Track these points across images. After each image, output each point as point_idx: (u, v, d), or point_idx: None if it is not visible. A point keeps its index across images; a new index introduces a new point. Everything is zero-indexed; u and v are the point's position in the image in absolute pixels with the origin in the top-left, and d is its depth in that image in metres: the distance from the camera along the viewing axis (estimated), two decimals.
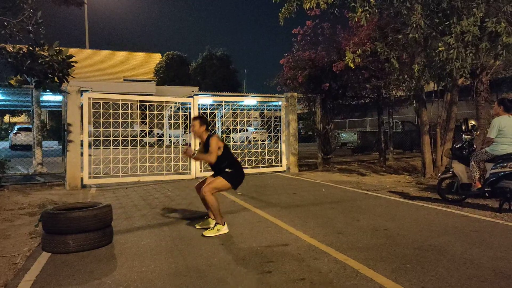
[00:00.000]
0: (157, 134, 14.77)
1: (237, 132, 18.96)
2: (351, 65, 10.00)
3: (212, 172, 5.59)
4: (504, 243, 4.62)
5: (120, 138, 10.42)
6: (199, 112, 11.36)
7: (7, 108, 29.29)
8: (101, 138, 10.05)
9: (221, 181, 5.25)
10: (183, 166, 11.16)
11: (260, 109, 14.54)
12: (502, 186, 6.22)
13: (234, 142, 12.80)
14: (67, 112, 9.41)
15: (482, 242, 4.64)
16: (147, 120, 11.12)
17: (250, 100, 13.59)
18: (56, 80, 7.21)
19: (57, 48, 7.08)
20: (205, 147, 5.39)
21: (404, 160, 15.20)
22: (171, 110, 16.95)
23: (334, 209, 6.74)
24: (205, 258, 4.23)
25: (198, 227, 5.48)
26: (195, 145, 11.09)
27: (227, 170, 5.31)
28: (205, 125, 5.46)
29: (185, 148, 5.47)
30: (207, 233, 5.09)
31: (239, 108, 12.91)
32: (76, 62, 7.39)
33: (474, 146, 7.06)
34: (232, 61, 48.84)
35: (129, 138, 10.82)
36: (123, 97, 10.79)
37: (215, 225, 5.19)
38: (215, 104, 13.72)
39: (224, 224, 5.21)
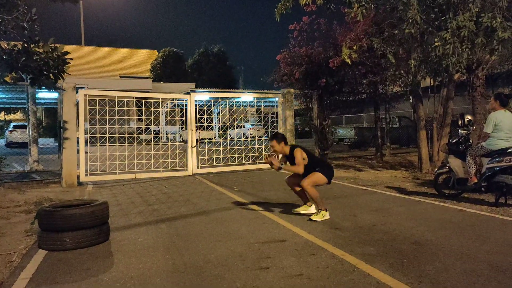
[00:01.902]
0: (154, 131, 14.75)
1: (234, 129, 18.94)
2: (348, 60, 10.00)
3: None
4: (500, 237, 4.64)
5: (117, 135, 10.39)
6: (195, 109, 11.33)
7: (2, 106, 29.12)
8: (98, 135, 10.01)
9: (319, 176, 5.67)
10: (180, 163, 11.14)
11: (256, 105, 14.52)
12: (498, 180, 6.26)
13: (231, 138, 12.76)
14: (63, 109, 9.36)
15: (479, 237, 4.66)
16: (143, 117, 11.09)
17: (247, 97, 13.58)
18: (52, 77, 7.16)
19: (52, 44, 7.03)
20: (288, 158, 5.88)
21: (401, 155, 15.23)
22: (167, 107, 16.91)
23: (331, 204, 6.74)
24: (203, 254, 4.23)
25: (294, 211, 6.04)
26: (192, 142, 11.07)
27: (317, 169, 5.71)
28: (283, 140, 5.87)
29: (270, 159, 5.76)
30: (315, 217, 5.56)
31: (235, 105, 12.89)
32: (71, 59, 7.35)
33: (471, 141, 7.08)
34: (228, 58, 48.82)
35: (126, 135, 10.79)
36: (119, 94, 10.75)
37: (319, 211, 5.63)
38: (212, 100, 13.68)
39: (326, 210, 5.65)
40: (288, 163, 5.90)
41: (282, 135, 6.07)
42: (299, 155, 5.66)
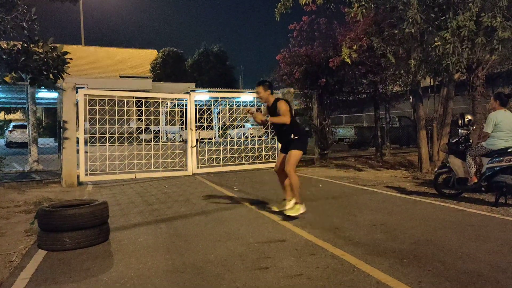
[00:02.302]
0: (154, 130, 14.76)
1: (234, 128, 18.94)
2: (348, 60, 10.00)
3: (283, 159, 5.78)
4: (500, 237, 4.63)
5: (117, 135, 10.38)
6: (195, 109, 11.33)
7: (2, 105, 29.13)
8: (97, 135, 10.01)
9: (295, 153, 5.54)
10: (180, 162, 11.14)
11: (256, 105, 14.50)
12: (498, 180, 6.25)
13: (231, 138, 12.76)
14: (63, 109, 9.36)
15: (479, 237, 4.66)
16: (143, 117, 11.09)
17: (247, 96, 13.56)
18: (51, 77, 7.17)
19: (52, 44, 7.04)
20: (270, 110, 5.62)
21: (401, 155, 15.22)
22: (167, 106, 16.91)
23: (331, 204, 6.75)
24: (202, 254, 4.22)
25: (276, 209, 5.83)
26: (191, 141, 11.07)
27: (293, 137, 5.55)
28: (269, 89, 5.63)
29: (251, 110, 5.60)
30: (290, 212, 5.40)
31: (235, 104, 12.88)
32: (71, 59, 7.35)
33: (471, 140, 7.07)
34: (228, 57, 48.74)
35: (126, 135, 10.78)
36: (119, 94, 10.75)
37: (295, 204, 5.46)
38: (212, 100, 13.68)
39: (302, 203, 5.47)
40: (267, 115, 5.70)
41: (270, 83, 5.80)
42: (284, 105, 5.46)
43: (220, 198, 7.59)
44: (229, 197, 7.62)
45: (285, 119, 5.43)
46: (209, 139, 19.91)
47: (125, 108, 10.48)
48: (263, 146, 12.44)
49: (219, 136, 20.30)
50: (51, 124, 34.92)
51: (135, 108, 12.20)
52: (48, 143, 25.55)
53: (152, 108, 11.09)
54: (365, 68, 13.04)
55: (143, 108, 10.83)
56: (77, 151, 9.52)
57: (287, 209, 5.60)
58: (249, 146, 12.20)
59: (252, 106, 13.73)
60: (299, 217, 5.55)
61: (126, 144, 10.75)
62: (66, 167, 9.33)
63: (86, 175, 9.73)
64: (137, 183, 9.75)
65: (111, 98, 10.26)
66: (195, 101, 11.52)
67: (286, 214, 5.44)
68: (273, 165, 12.34)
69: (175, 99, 13.75)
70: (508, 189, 6.18)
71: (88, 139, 10.06)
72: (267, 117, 5.57)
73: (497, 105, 6.56)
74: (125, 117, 10.55)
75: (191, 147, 11.11)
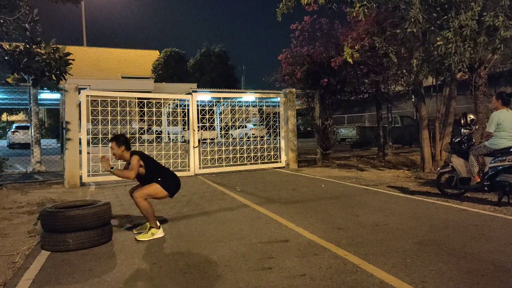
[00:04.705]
0: (156, 131, 14.75)
1: (236, 129, 18.93)
2: (350, 60, 9.98)
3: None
4: (503, 236, 4.62)
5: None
6: (197, 109, 11.34)
7: (4, 107, 29.19)
8: (100, 136, 10.02)
9: (156, 188, 5.06)
10: (182, 163, 11.14)
11: (258, 105, 14.52)
12: (501, 180, 6.23)
13: (233, 138, 12.76)
14: (65, 110, 9.38)
15: (482, 236, 4.65)
16: (145, 118, 11.09)
17: (249, 97, 13.57)
18: (54, 78, 7.18)
19: (54, 45, 7.05)
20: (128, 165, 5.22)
21: (403, 155, 15.21)
22: (169, 107, 16.91)
23: (333, 204, 6.74)
24: (205, 255, 4.23)
25: (135, 231, 5.22)
26: (194, 142, 11.06)
27: (159, 179, 5.13)
28: (124, 144, 5.15)
29: (104, 158, 5.10)
30: (140, 237, 4.90)
31: (237, 105, 12.89)
32: (73, 60, 7.37)
33: (473, 140, 7.06)
34: (230, 58, 48.67)
35: (128, 136, 10.78)
36: (121, 95, 10.76)
37: (149, 229, 4.99)
38: (214, 100, 13.68)
39: (159, 228, 5.02)
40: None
41: (124, 138, 5.24)
42: (135, 160, 5.03)
43: (222, 198, 7.59)
44: (231, 198, 7.62)
45: (128, 174, 5.00)
46: (211, 139, 19.93)
47: (127, 108, 10.48)
48: (265, 146, 12.44)
49: (221, 137, 20.29)
50: (54, 125, 35.00)
51: (137, 109, 12.20)
52: (50, 144, 25.59)
53: (154, 109, 11.10)
54: (367, 68, 13.03)
55: (145, 109, 10.84)
56: (80, 152, 9.54)
57: (138, 233, 5.11)
58: (251, 147, 12.20)
59: (254, 106, 13.76)
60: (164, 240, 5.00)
61: None
62: (68, 168, 9.35)
63: (88, 175, 9.75)
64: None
65: (113, 99, 10.27)
66: (197, 101, 11.53)
67: (137, 239, 4.89)
68: (275, 165, 12.43)
69: (177, 99, 13.76)
70: (511, 188, 6.16)
71: (91, 140, 10.07)
72: (112, 168, 4.97)
73: (499, 104, 6.55)
74: (127, 117, 10.56)
75: (193, 147, 11.11)
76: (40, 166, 10.83)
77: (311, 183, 9.32)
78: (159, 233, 4.99)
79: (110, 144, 5.23)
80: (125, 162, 5.34)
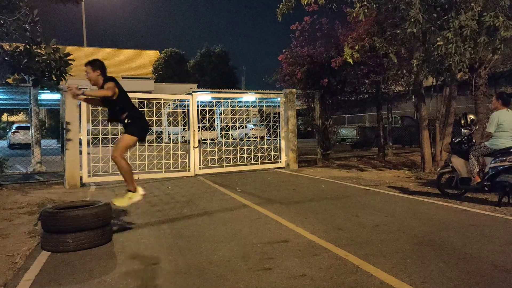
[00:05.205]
0: (156, 131, 14.77)
1: (236, 129, 18.95)
2: (350, 60, 9.98)
3: None
4: (504, 237, 4.62)
5: (119, 136, 10.38)
6: (197, 109, 11.34)
7: (5, 107, 29.20)
8: (100, 136, 10.03)
9: (126, 138, 4.93)
10: (182, 163, 11.14)
11: (259, 105, 14.52)
12: (501, 180, 6.23)
13: (233, 138, 12.76)
14: (66, 110, 9.38)
15: (482, 236, 4.64)
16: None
17: (249, 97, 13.57)
18: (54, 78, 7.20)
19: (54, 46, 7.06)
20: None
21: (403, 155, 15.20)
22: (169, 107, 16.92)
23: (334, 205, 6.74)
24: (205, 255, 4.23)
25: (114, 199, 5.07)
26: (194, 142, 11.06)
27: (125, 119, 4.97)
28: (99, 69, 4.96)
29: (69, 87, 4.78)
30: (117, 201, 4.80)
31: (238, 105, 12.88)
32: (73, 60, 7.38)
33: (473, 140, 7.06)
34: (230, 58, 48.69)
35: None
36: None
37: (126, 193, 4.87)
38: (214, 101, 13.69)
39: (135, 191, 4.90)
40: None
41: (101, 63, 5.03)
42: (111, 83, 4.78)
43: (222, 199, 7.59)
44: (231, 198, 7.62)
45: (105, 91, 4.70)
46: (212, 139, 19.94)
47: None
48: (265, 146, 12.44)
49: (221, 137, 20.31)
50: (54, 125, 34.97)
51: None
52: (51, 144, 25.58)
53: (154, 109, 11.10)
54: (367, 68, 13.03)
55: (146, 109, 10.83)
56: (80, 152, 9.55)
57: (114, 199, 4.97)
58: (252, 147, 12.20)
59: (254, 106, 13.76)
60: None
61: None
62: (69, 168, 9.35)
63: (89, 176, 9.75)
64: (139, 184, 9.67)
65: None
66: (197, 101, 11.53)
67: (113, 203, 4.82)
68: (276, 165, 12.44)
69: (177, 100, 13.78)
70: (511, 189, 6.16)
71: (91, 140, 10.07)
72: (83, 92, 4.68)
73: (499, 104, 6.55)
74: None
75: (194, 148, 11.11)
76: (41, 166, 10.83)
77: (311, 183, 9.31)
78: (137, 196, 4.90)
79: (85, 68, 4.98)
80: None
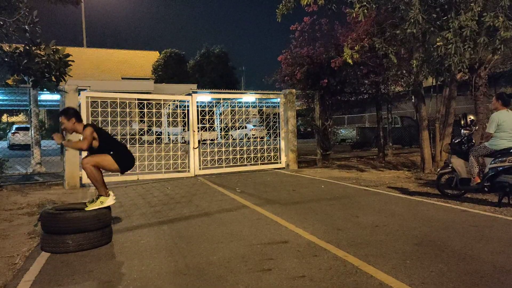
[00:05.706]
0: (156, 132, 14.78)
1: (236, 130, 18.94)
2: (349, 61, 9.98)
3: None
4: (504, 237, 4.62)
5: (119, 136, 10.39)
6: (197, 110, 11.34)
7: (5, 108, 29.22)
8: None
9: (107, 159, 4.96)
10: (182, 164, 11.15)
11: (258, 106, 14.51)
12: (501, 180, 6.23)
13: (233, 139, 12.77)
14: None
15: (482, 237, 4.64)
16: (145, 118, 11.09)
17: (249, 97, 13.57)
18: (53, 79, 7.17)
19: (54, 47, 7.05)
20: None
21: (403, 155, 15.21)
22: (169, 108, 16.92)
23: (333, 205, 6.74)
24: (205, 256, 4.22)
25: (87, 203, 4.97)
26: (194, 143, 11.06)
27: (111, 152, 5.05)
28: (73, 117, 5.04)
29: (55, 134, 5.06)
30: (89, 206, 4.78)
31: (237, 105, 12.89)
32: (73, 61, 7.36)
33: (473, 141, 7.05)
34: (230, 58, 48.65)
35: (128, 137, 10.79)
36: (121, 96, 10.77)
37: (97, 197, 4.89)
38: (214, 101, 13.69)
39: (108, 196, 4.93)
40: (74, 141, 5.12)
41: (74, 111, 5.15)
42: (89, 131, 4.89)
43: (222, 199, 7.59)
44: (231, 199, 7.62)
45: (81, 144, 4.91)
46: (211, 140, 19.92)
47: (127, 109, 10.49)
48: (265, 147, 12.44)
49: (221, 137, 20.30)
50: (54, 126, 34.99)
51: (137, 110, 12.20)
52: (50, 145, 25.57)
53: (154, 110, 11.10)
54: (367, 69, 13.04)
55: (145, 110, 10.84)
56: (80, 153, 9.53)
57: (87, 204, 4.92)
58: (251, 147, 12.20)
59: (253, 107, 13.75)
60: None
61: (128, 145, 10.75)
62: (68, 169, 9.35)
63: None
64: (139, 185, 9.76)
65: (113, 100, 10.28)
66: (197, 102, 11.53)
67: (85, 208, 4.78)
68: (275, 166, 12.44)
69: (177, 100, 13.77)
70: (511, 189, 6.16)
71: None
72: (64, 140, 5.06)
73: (499, 105, 6.54)
74: (127, 118, 10.56)
75: (193, 148, 11.11)
76: (40, 167, 10.82)
77: (311, 184, 9.31)
78: (108, 201, 4.91)
79: (60, 120, 5.08)
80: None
